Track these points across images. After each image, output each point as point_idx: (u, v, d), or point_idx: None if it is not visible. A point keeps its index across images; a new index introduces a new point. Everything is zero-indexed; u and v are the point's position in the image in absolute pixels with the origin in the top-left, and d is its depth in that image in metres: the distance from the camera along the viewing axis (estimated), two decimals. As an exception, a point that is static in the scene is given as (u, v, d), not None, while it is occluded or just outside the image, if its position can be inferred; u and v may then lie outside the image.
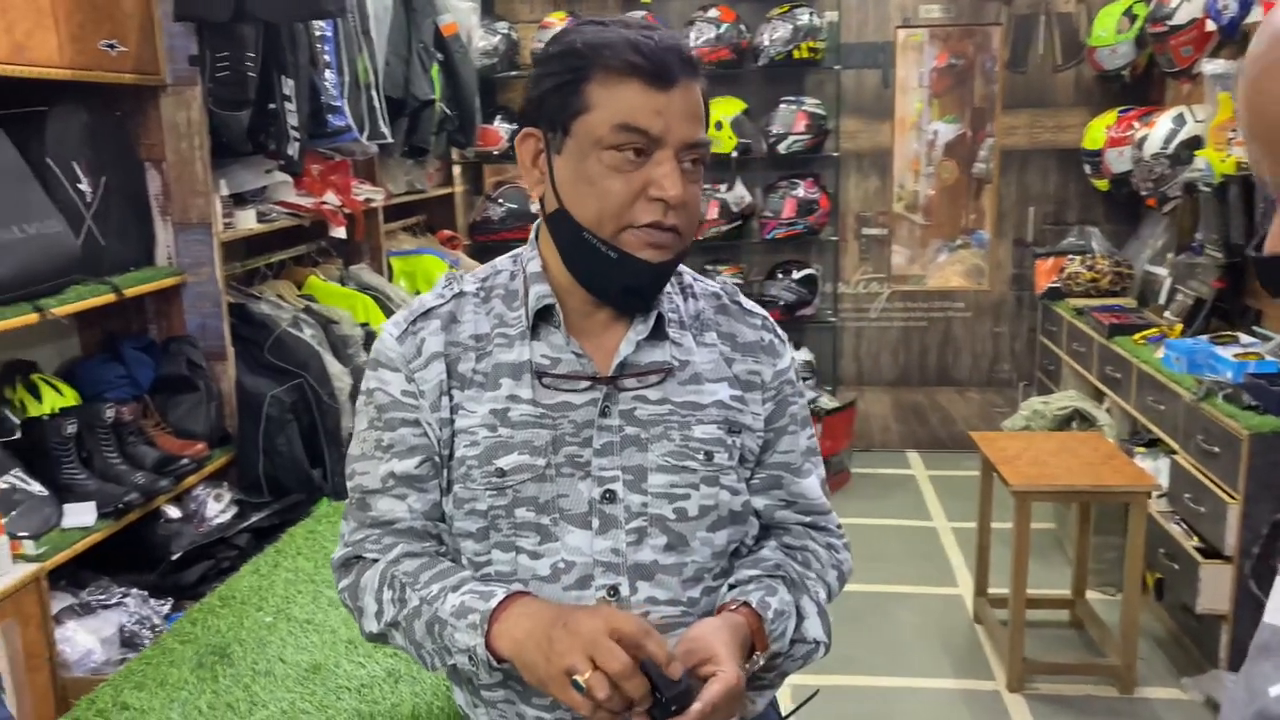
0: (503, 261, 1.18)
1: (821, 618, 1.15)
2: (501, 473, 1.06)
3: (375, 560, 1.13)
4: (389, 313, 3.80)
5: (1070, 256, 4.79)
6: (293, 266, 3.66)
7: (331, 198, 3.54)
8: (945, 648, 3.35)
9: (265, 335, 3.11)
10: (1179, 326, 3.84)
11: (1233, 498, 2.86)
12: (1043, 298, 4.91)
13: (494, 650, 1.00)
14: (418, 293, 4.26)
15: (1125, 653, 3.03)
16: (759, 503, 1.17)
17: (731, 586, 1.11)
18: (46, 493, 2.40)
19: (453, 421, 1.09)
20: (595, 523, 1.06)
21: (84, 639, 2.35)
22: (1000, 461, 3.14)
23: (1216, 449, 2.95)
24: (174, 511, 2.70)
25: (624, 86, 1.02)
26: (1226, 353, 3.26)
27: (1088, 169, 4.75)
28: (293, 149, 3.00)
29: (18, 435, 2.43)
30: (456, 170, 5.15)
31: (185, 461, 2.72)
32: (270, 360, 3.08)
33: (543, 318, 1.10)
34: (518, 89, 5.35)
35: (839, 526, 1.23)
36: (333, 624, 1.53)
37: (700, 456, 1.09)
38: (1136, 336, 3.83)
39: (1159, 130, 3.98)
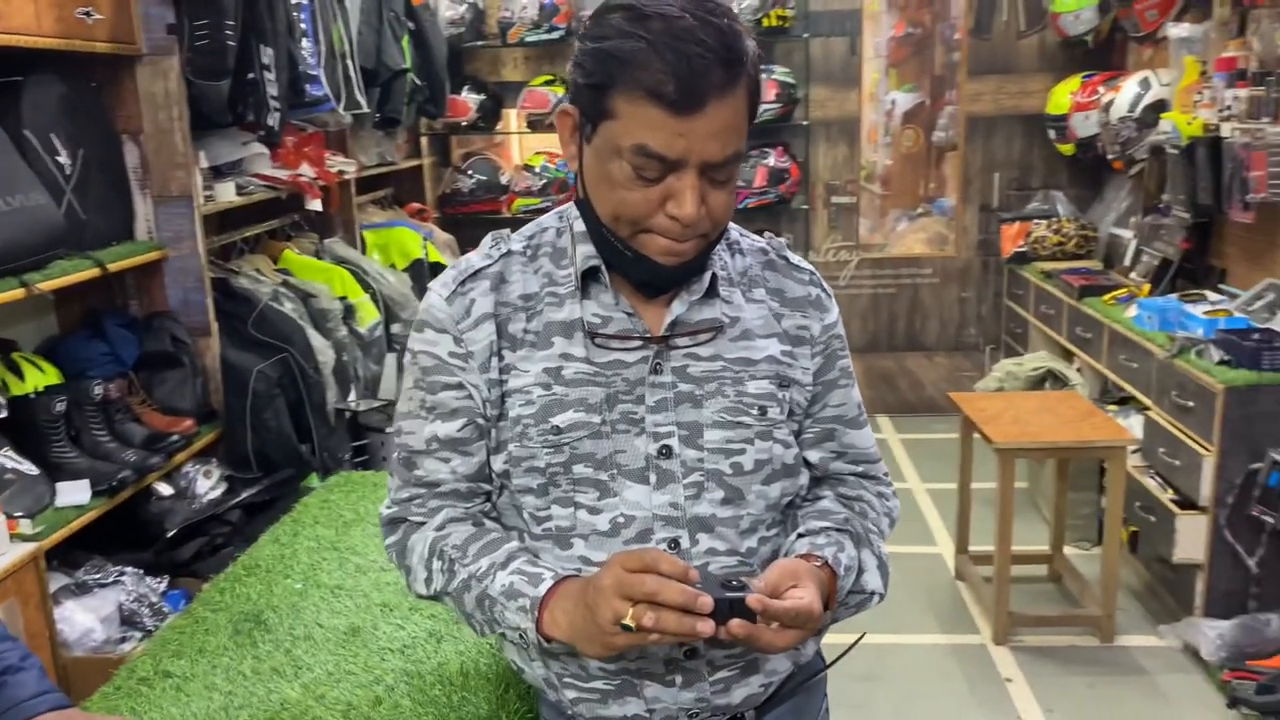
0: (548, 219, 1.16)
1: (880, 570, 1.17)
2: (558, 430, 1.06)
3: (421, 523, 1.14)
4: (366, 286, 3.77)
5: (1036, 221, 4.88)
6: (268, 241, 3.61)
7: (307, 170, 3.49)
8: (930, 605, 3.43)
9: (248, 310, 3.07)
10: (1147, 286, 3.93)
11: (1207, 450, 2.95)
12: (1009, 262, 5.00)
13: (544, 634, 1.02)
14: (392, 266, 4.22)
15: (1105, 603, 3.13)
16: (813, 455, 1.18)
17: (801, 536, 1.13)
18: (38, 471, 2.36)
19: (504, 382, 1.08)
20: (653, 478, 1.07)
21: (83, 618, 2.32)
22: (982, 421, 3.20)
23: (1191, 403, 3.04)
24: (165, 489, 2.66)
25: (646, 109, 0.96)
26: (1197, 310, 3.35)
27: (1052, 134, 4.83)
28: (273, 119, 2.96)
29: (4, 414, 2.37)
30: (424, 142, 5.10)
31: (175, 438, 2.69)
32: (254, 335, 3.04)
33: (591, 277, 1.09)
34: (485, 59, 5.30)
35: (886, 474, 1.25)
36: (364, 589, 1.53)
37: (754, 411, 1.10)
38: (1106, 297, 3.92)
39: (1125, 94, 4.05)
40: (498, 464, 1.11)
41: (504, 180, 5.18)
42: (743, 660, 1.10)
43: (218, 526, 2.69)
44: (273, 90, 2.92)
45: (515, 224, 5.02)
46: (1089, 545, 3.76)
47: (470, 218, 5.19)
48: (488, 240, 1.16)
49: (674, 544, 1.07)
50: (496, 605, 1.04)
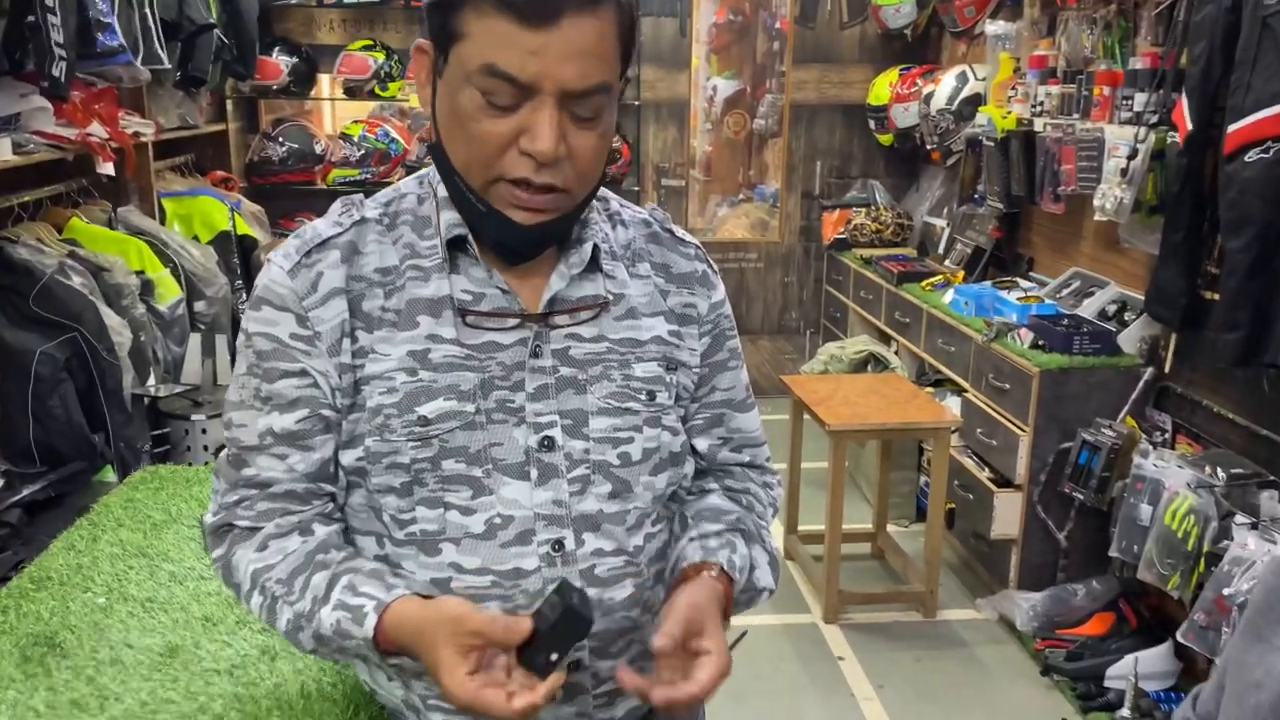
0: (408, 184, 1.04)
1: (771, 565, 1.11)
2: (425, 421, 0.95)
3: (248, 531, 0.99)
4: (166, 260, 3.45)
5: (855, 209, 5.02)
6: (51, 207, 3.23)
7: (98, 129, 3.14)
8: (762, 585, 3.45)
9: (29, 284, 2.73)
10: (961, 274, 4.10)
11: (1023, 430, 3.09)
12: (829, 248, 5.12)
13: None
14: (195, 238, 3.89)
15: (929, 579, 3.24)
16: (702, 443, 1.12)
17: (692, 540, 1.06)
18: None
19: (359, 367, 0.96)
20: (534, 473, 0.97)
21: None
22: (814, 403, 3.25)
23: (1007, 386, 3.18)
24: (-72, 487, 2.33)
25: (494, 21, 0.86)
26: (1010, 296, 3.51)
27: (872, 124, 4.97)
28: (58, 69, 2.63)
29: None
30: (229, 105, 4.73)
31: (-61, 429, 2.35)
32: (36, 312, 2.71)
33: (458, 248, 0.98)
34: (298, 19, 4.97)
35: (768, 459, 1.19)
36: (181, 601, 1.34)
37: (642, 397, 1.02)
38: (924, 283, 4.06)
39: (944, 87, 4.21)
40: (350, 459, 0.97)
41: (318, 149, 4.87)
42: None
43: (-6, 529, 2.38)
44: (57, 36, 2.59)
45: (332, 196, 4.72)
46: (908, 523, 3.89)
47: (281, 188, 4.86)
48: (337, 206, 1.03)
49: (558, 545, 0.98)
50: (334, 641, 0.93)
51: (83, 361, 2.76)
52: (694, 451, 1.12)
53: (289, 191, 4.87)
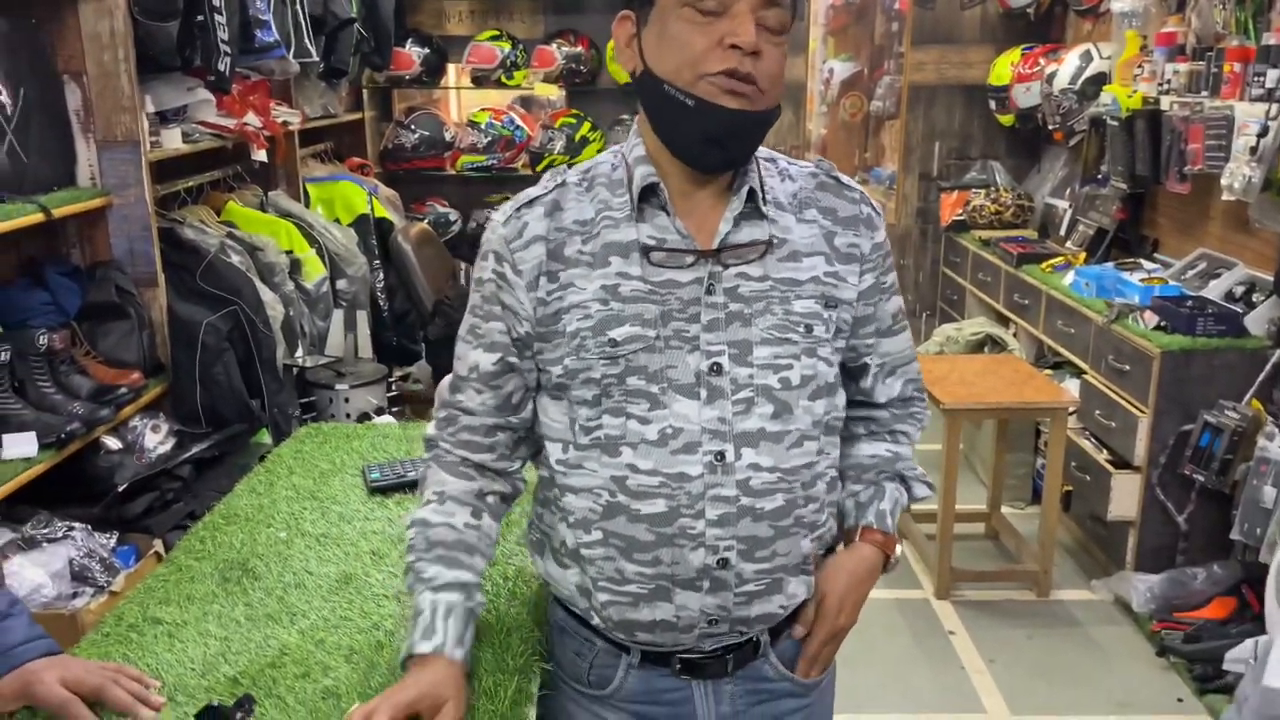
0: (603, 156, 1.21)
1: (922, 480, 1.32)
2: (614, 343, 1.11)
3: (446, 459, 1.22)
4: (311, 240, 3.70)
5: (974, 190, 4.98)
6: (211, 192, 3.50)
7: (253, 119, 3.39)
8: (874, 561, 3.51)
9: (196, 261, 2.99)
10: (1083, 255, 4.05)
11: (1142, 411, 3.07)
12: (947, 230, 5.10)
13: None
14: (337, 220, 4.14)
15: (1043, 559, 3.25)
16: (861, 375, 1.25)
17: (847, 497, 1.28)
18: (-18, 423, 2.28)
19: (555, 300, 1.14)
20: (703, 393, 1.12)
21: (32, 574, 2.25)
22: (929, 383, 3.28)
23: (1127, 367, 3.16)
24: (113, 443, 2.59)
25: None
26: (1133, 278, 3.47)
27: (992, 104, 4.92)
28: (223, 64, 2.86)
29: (-55, 363, 2.28)
30: (365, 95, 4.99)
31: (123, 391, 2.61)
32: (202, 287, 2.96)
33: (647, 200, 1.14)
34: (428, 11, 5.19)
35: (918, 389, 1.32)
36: (350, 537, 1.51)
37: (800, 329, 1.14)
38: (1044, 265, 4.03)
39: (1067, 66, 4.15)
40: (553, 377, 1.15)
41: (448, 136, 5.09)
42: (769, 579, 1.15)
43: (168, 482, 2.63)
44: (223, 34, 2.83)
45: (459, 181, 4.93)
46: (1023, 504, 3.89)
47: (413, 173, 5.10)
48: (546, 175, 1.22)
49: (720, 456, 1.11)
50: (420, 587, 1.15)
51: (241, 333, 3.00)
52: (853, 378, 1.25)
53: (420, 177, 5.11)
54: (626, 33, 1.13)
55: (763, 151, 1.18)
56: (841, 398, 1.22)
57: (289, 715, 1.11)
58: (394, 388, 3.95)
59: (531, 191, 1.19)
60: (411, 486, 1.67)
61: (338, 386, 3.33)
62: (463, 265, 4.53)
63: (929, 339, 4.45)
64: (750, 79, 1.06)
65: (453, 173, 5.09)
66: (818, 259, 1.17)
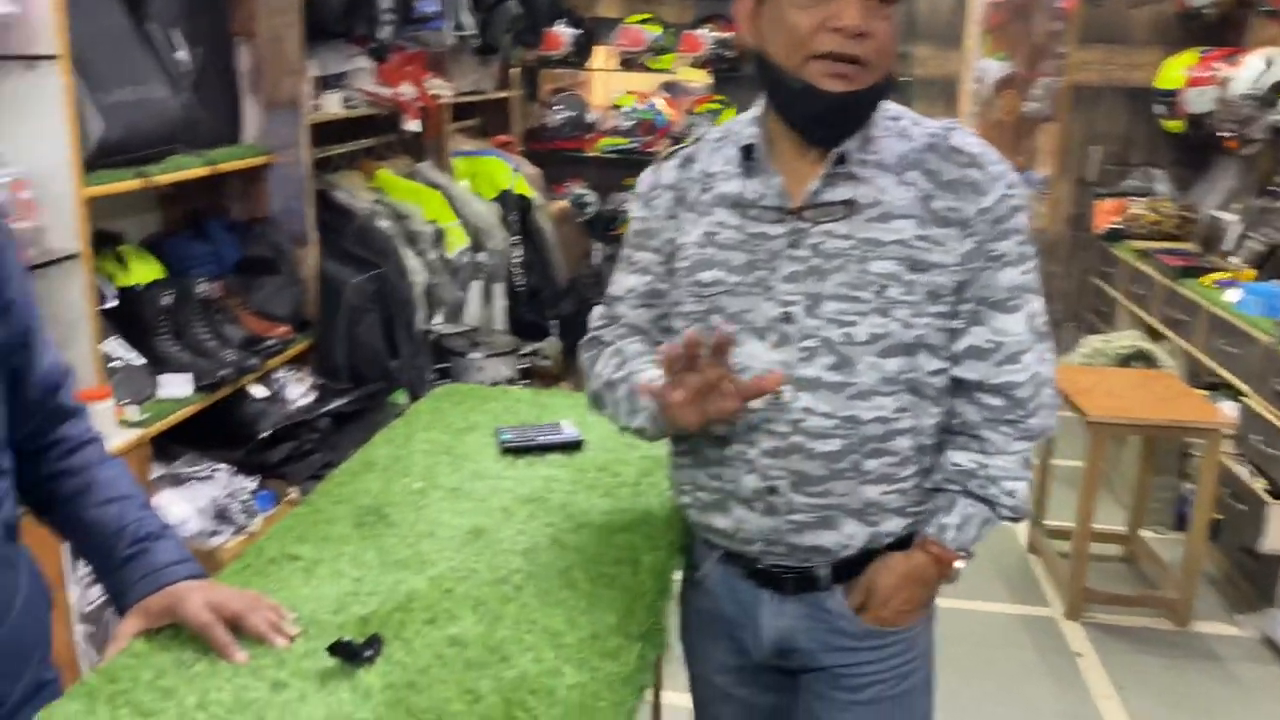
0: (744, 116, 1.30)
1: (1003, 502, 1.26)
2: (701, 284, 1.25)
3: (611, 344, 1.36)
4: (456, 212, 3.77)
5: (1133, 198, 4.74)
6: (364, 158, 3.61)
7: (407, 89, 3.48)
8: (999, 573, 3.39)
9: (346, 223, 3.09)
10: (1251, 272, 3.81)
11: (1309, 440, 2.87)
12: (1102, 238, 4.87)
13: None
14: (480, 194, 4.21)
15: (1184, 587, 3.07)
16: (961, 344, 1.22)
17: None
18: (143, 362, 2.40)
19: (675, 240, 1.29)
20: (772, 337, 1.21)
21: (179, 508, 2.36)
22: (1074, 393, 3.14)
23: (1295, 392, 2.95)
24: (260, 391, 2.70)
25: None
26: (1307, 298, 3.24)
27: (1160, 109, 4.66)
28: (385, 33, 2.95)
29: (115, 303, 2.41)
30: (513, 73, 5.07)
31: (271, 342, 2.72)
32: (351, 249, 3.06)
33: (753, 158, 1.24)
34: (580, -8, 5.24)
35: (1038, 375, 1.22)
36: (481, 493, 1.53)
37: (873, 289, 1.18)
38: (1206, 279, 3.80)
39: (1247, 71, 3.90)
40: (667, 308, 1.31)
41: (590, 118, 5.13)
42: (820, 513, 1.23)
43: (307, 433, 2.73)
44: (386, 3, 2.91)
45: (599, 163, 4.96)
46: (1165, 529, 3.68)
47: (555, 154, 5.16)
48: (691, 134, 1.38)
49: (777, 395, 1.20)
50: (638, 395, 1.23)
51: (384, 296, 3.09)
52: (953, 361, 1.22)
53: (561, 157, 5.16)
54: (745, 12, 1.21)
55: (892, 108, 1.22)
56: (927, 361, 1.21)
57: (415, 659, 1.12)
58: (524, 361, 4.00)
59: (676, 148, 1.35)
60: (541, 450, 1.68)
61: (471, 355, 3.39)
62: (597, 246, 4.57)
63: (1074, 350, 4.26)
64: (855, 59, 1.12)
65: (593, 154, 5.13)
66: (908, 222, 1.18)
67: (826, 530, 1.24)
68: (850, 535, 1.24)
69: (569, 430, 1.74)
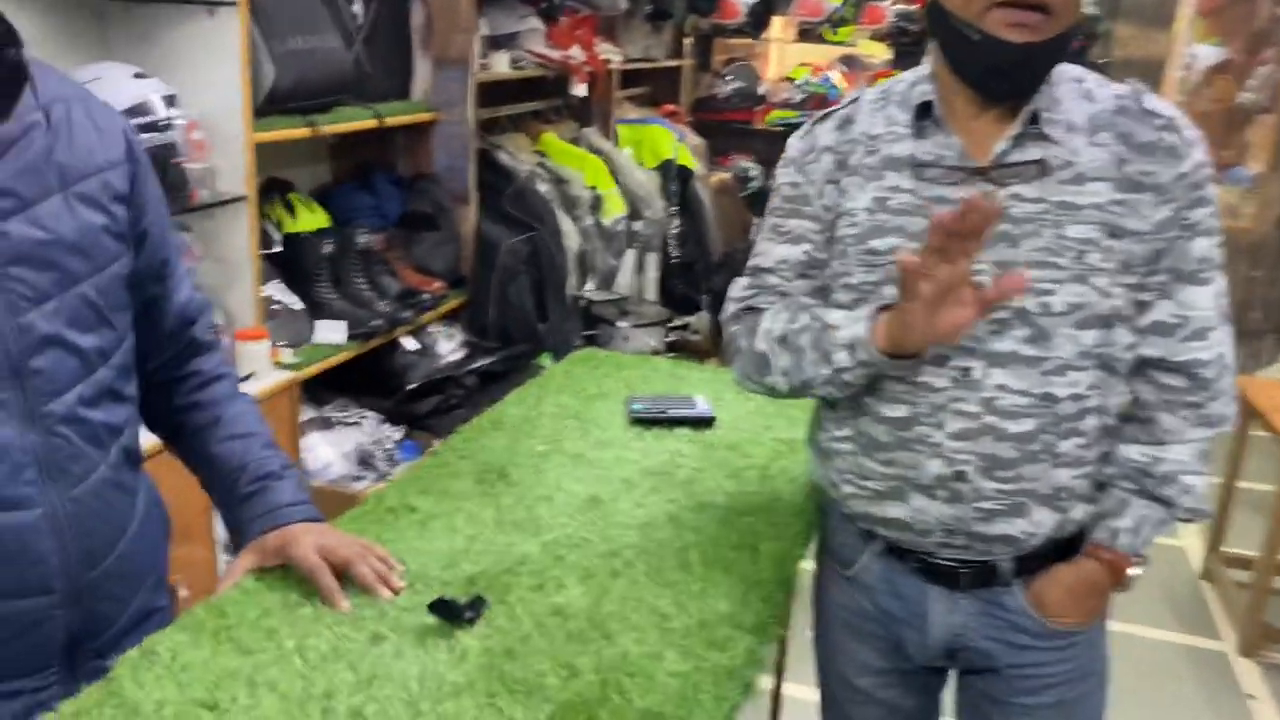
0: (905, 75, 1.22)
1: (1182, 503, 1.17)
2: (874, 252, 1.15)
3: (762, 309, 1.25)
4: (616, 179, 3.74)
5: (1358, 200, 4.27)
6: (529, 120, 3.62)
7: (577, 52, 3.47)
8: (1167, 599, 3.13)
9: (506, 184, 3.10)
10: None
11: None
12: (1316, 243, 4.42)
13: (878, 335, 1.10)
14: (642, 163, 4.17)
15: (1384, 635, 2.75)
16: (1145, 319, 1.13)
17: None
18: (302, 307, 2.47)
19: (837, 207, 1.19)
20: None
21: (325, 451, 2.43)
22: (1269, 410, 2.84)
23: None
24: (411, 344, 2.75)
25: None
26: None
27: (1399, 103, 4.17)
28: (555, -8, 2.92)
29: (279, 249, 2.49)
30: (686, 43, 4.99)
31: (425, 297, 2.76)
32: (509, 210, 3.07)
33: (927, 117, 1.15)
34: (762, -39, 5.10)
35: (1210, 358, 1.13)
36: (605, 462, 1.49)
37: (1071, 255, 1.09)
38: None
39: None
40: (824, 279, 1.21)
41: (761, 90, 5.01)
42: (1010, 500, 1.14)
43: (454, 388, 2.76)
44: (559, -37, 2.89)
45: (767, 137, 4.83)
46: (1366, 570, 3.31)
47: (722, 125, 5.05)
48: (848, 94, 1.28)
49: (965, 372, 1.11)
50: (830, 332, 1.14)
51: (537, 259, 3.09)
52: (1141, 331, 1.13)
53: (729, 129, 5.06)
54: None
55: (1072, 69, 1.15)
56: (1123, 336, 1.13)
57: (516, 624, 1.09)
58: (672, 334, 3.95)
59: (829, 109, 1.25)
60: (671, 423, 1.62)
61: (619, 324, 3.36)
62: (756, 221, 4.46)
63: (1277, 363, 3.88)
64: (1038, 7, 1.03)
65: (761, 128, 5.01)
66: (1103, 185, 1.10)
67: (1015, 518, 1.15)
68: (1038, 523, 1.15)
69: (702, 405, 1.67)
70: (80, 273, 0.95)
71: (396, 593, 1.13)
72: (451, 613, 1.08)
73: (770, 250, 1.25)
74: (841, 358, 1.13)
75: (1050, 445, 1.12)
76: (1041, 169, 1.10)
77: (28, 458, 0.91)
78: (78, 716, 0.91)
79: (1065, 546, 1.20)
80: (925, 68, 1.17)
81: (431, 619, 1.08)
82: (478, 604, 1.10)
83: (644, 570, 1.21)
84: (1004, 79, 1.09)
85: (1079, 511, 1.17)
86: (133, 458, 1.06)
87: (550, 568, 1.20)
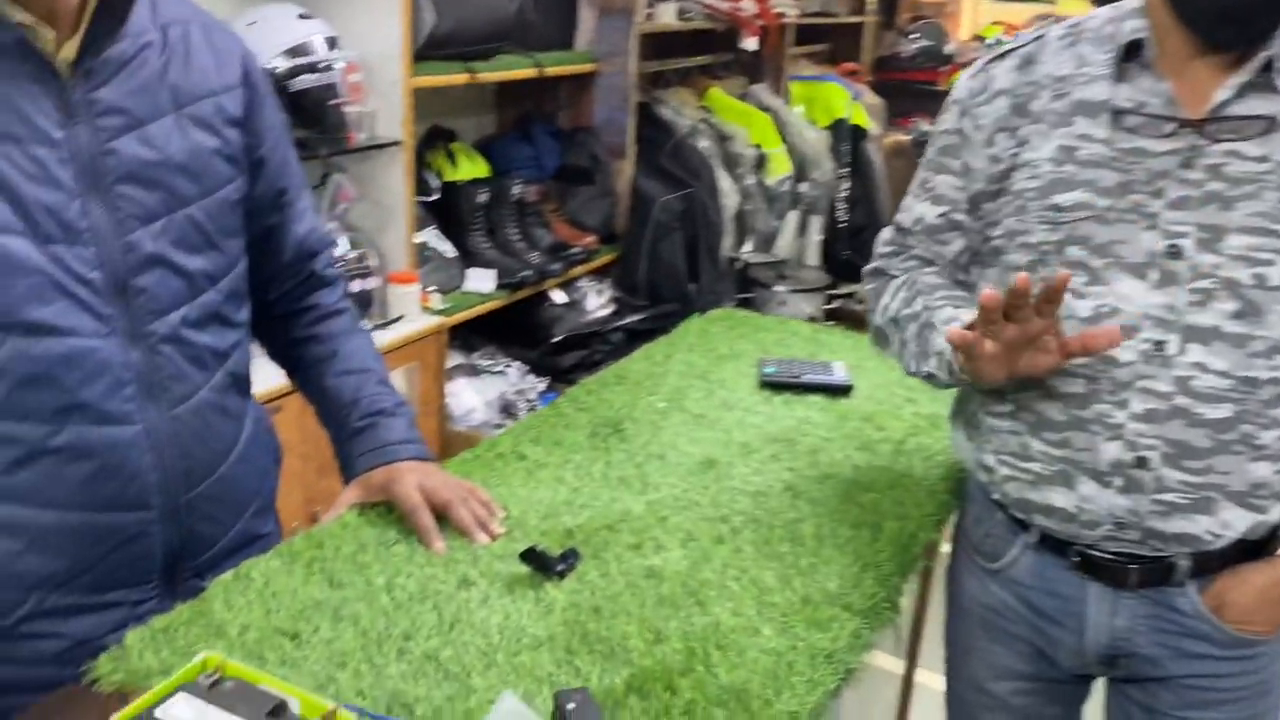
0: (1100, 10, 1.08)
1: None
2: (1058, 208, 1.03)
3: (897, 275, 1.20)
4: (784, 138, 3.62)
5: None
6: (697, 75, 3.55)
7: (749, 4, 3.36)
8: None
9: (665, 139, 3.05)
10: None
11: None
12: None
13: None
14: (813, 122, 4.03)
15: None
16: None
17: None
18: (455, 254, 2.50)
19: (1013, 156, 1.06)
20: (1153, 275, 0.99)
21: (469, 397, 2.46)
22: None
23: None
24: (559, 297, 2.75)
25: None
26: None
27: None
28: (726, -59, 2.83)
29: (438, 196, 2.53)
30: (871, -1, 4.78)
31: (576, 251, 2.75)
32: (665, 166, 3.02)
33: (1132, 58, 1.01)
34: (956, -87, 4.82)
35: None
36: (726, 424, 1.42)
37: None
38: None
39: None
40: (993, 240, 1.10)
41: (947, 50, 4.75)
42: (1197, 494, 1.01)
43: (599, 343, 2.75)
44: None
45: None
46: None
47: (903, 85, 4.82)
48: (1028, 30, 1.15)
49: (1158, 346, 0.99)
50: (932, 332, 1.08)
51: (692, 217, 3.03)
52: None
53: (910, 90, 4.82)
54: None
55: None
56: None
57: (608, 583, 1.04)
58: (835, 302, 3.82)
59: (1007, 44, 1.11)
60: (803, 389, 1.54)
61: (776, 288, 3.26)
62: (935, 188, 4.25)
63: None
64: None
65: (945, 89, 4.75)
66: None
67: (1200, 514, 1.02)
68: (1226, 523, 1.02)
69: (839, 373, 1.58)
70: (189, 194, 0.96)
71: (494, 539, 1.11)
72: (543, 564, 1.04)
73: (913, 207, 1.17)
74: (934, 365, 1.08)
75: (1249, 436, 0.99)
76: (1269, 125, 0.96)
77: (129, 374, 0.93)
78: (166, 631, 0.92)
79: (1251, 547, 1.06)
80: (1130, 1, 1.02)
81: (523, 568, 1.05)
82: (570, 557, 1.06)
83: (750, 539, 1.14)
84: (1232, 22, 0.95)
85: (1277, 512, 1.03)
86: (240, 383, 1.08)
87: (651, 528, 1.15)
